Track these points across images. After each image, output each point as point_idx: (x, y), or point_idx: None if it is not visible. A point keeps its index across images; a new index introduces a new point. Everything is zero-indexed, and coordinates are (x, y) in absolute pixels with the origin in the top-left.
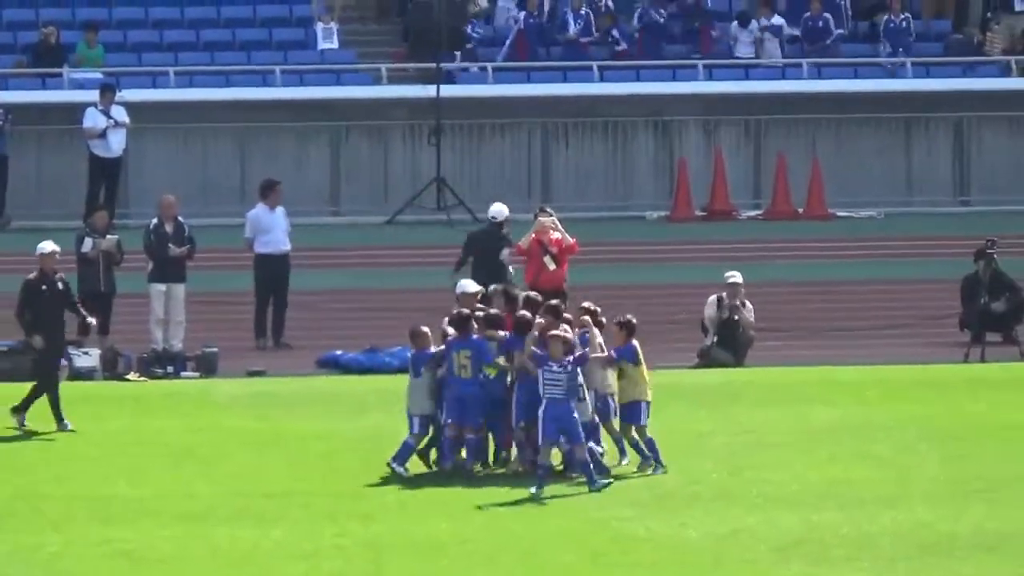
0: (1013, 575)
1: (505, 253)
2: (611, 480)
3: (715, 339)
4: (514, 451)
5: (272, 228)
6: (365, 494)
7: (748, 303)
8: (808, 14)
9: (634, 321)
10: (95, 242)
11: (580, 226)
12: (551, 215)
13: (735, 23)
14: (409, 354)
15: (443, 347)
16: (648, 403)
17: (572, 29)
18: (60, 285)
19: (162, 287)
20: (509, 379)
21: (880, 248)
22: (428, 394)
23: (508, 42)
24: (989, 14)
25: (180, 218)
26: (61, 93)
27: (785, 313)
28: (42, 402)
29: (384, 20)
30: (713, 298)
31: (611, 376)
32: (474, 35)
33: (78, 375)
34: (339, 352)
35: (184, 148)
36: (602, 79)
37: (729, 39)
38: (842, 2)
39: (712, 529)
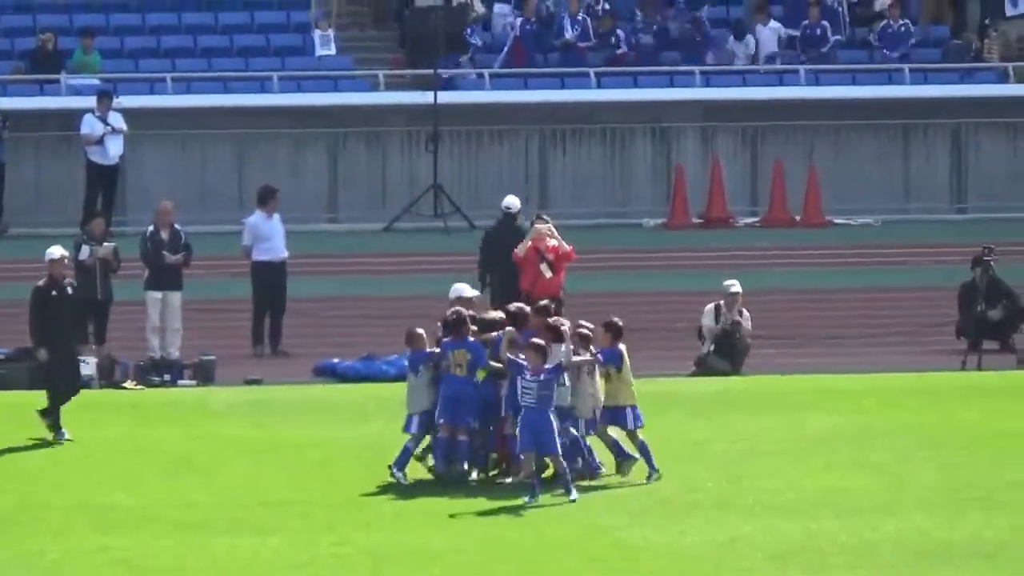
0: None
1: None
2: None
3: (712, 347)
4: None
5: (271, 235)
6: (363, 503)
7: (745, 311)
8: (806, 21)
9: (620, 323)
10: (92, 249)
11: (577, 233)
12: (548, 222)
13: (731, 38)
14: (407, 359)
15: (438, 349)
16: (634, 407)
17: (569, 34)
18: (70, 291)
19: (158, 295)
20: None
21: (877, 256)
22: (428, 391)
23: (505, 49)
24: (987, 20)
25: (177, 225)
26: (58, 99)
27: (782, 321)
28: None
29: (382, 26)
30: (711, 306)
31: (599, 384)
32: (472, 41)
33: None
34: (336, 360)
35: (182, 155)
36: (600, 86)
37: (726, 56)
38: (840, 9)
39: (710, 537)
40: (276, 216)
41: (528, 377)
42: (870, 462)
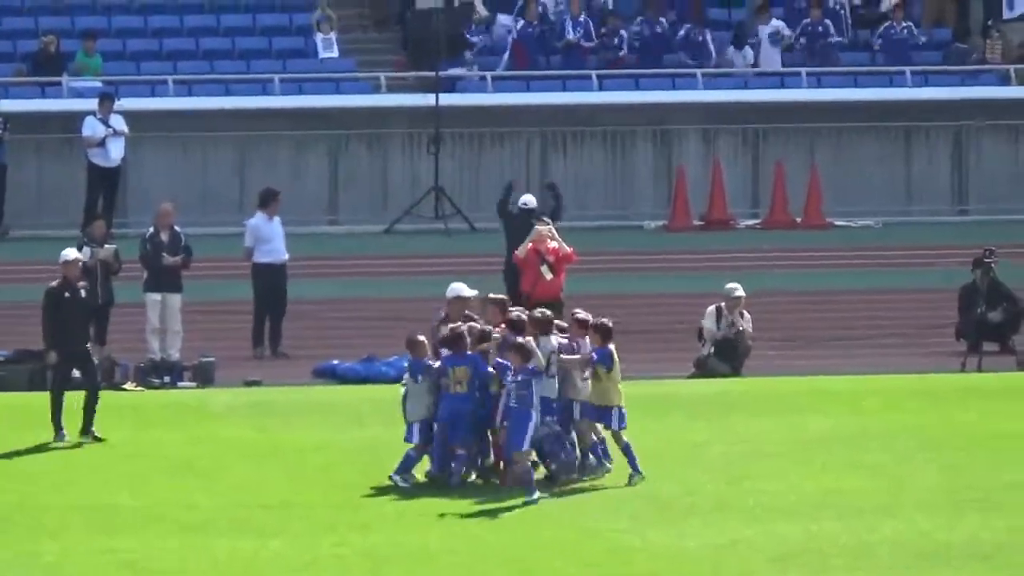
0: None
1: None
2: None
3: (712, 349)
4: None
5: (272, 238)
6: (363, 505)
7: (746, 313)
8: (807, 20)
9: (609, 324)
10: (93, 251)
11: (578, 235)
12: (548, 224)
13: (731, 47)
14: (406, 363)
15: (439, 363)
16: (621, 408)
17: (571, 36)
18: (83, 293)
19: (157, 296)
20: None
21: (878, 257)
22: (426, 399)
23: (506, 53)
24: (989, 22)
25: (177, 227)
26: (60, 102)
27: (782, 322)
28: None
29: (384, 29)
30: (712, 308)
31: (588, 382)
32: (472, 39)
33: (75, 385)
34: (336, 362)
35: (183, 157)
36: (601, 88)
37: (726, 64)
38: (842, 11)
39: (710, 540)
40: (277, 218)
41: (510, 377)
42: (869, 464)
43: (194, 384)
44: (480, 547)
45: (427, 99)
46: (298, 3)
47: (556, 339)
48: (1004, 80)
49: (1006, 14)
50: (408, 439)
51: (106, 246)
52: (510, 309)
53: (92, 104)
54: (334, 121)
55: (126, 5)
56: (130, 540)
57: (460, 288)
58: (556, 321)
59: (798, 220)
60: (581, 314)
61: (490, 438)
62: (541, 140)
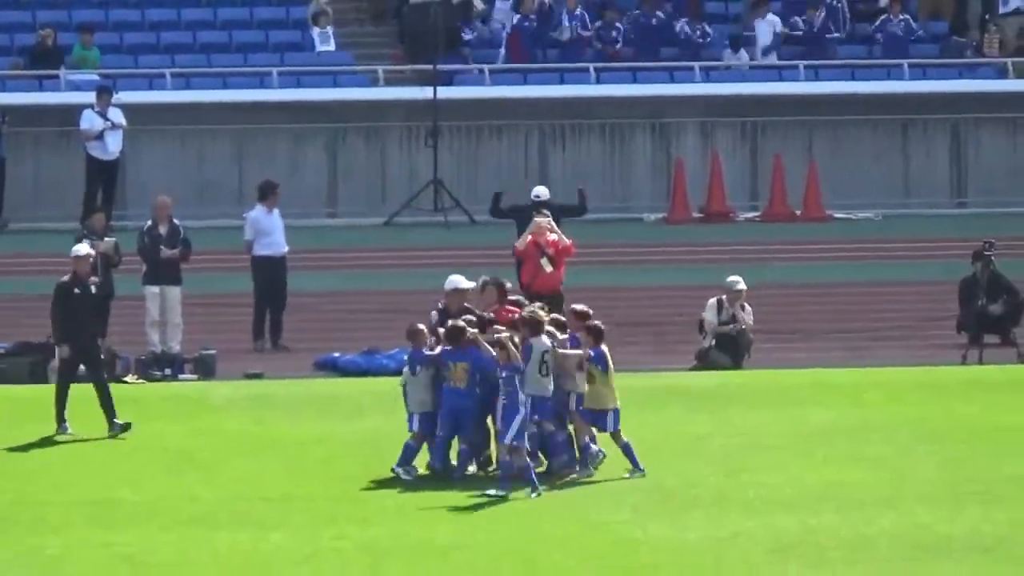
0: None
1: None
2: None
3: (713, 342)
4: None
5: (272, 231)
6: (363, 498)
7: (747, 305)
8: (804, 16)
9: (601, 326)
10: (93, 244)
11: (577, 228)
12: (548, 216)
13: (727, 50)
14: (406, 355)
15: (438, 354)
16: (616, 410)
17: (568, 30)
18: (93, 289)
19: (156, 289)
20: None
21: (877, 250)
22: (427, 391)
23: (503, 46)
24: (987, 16)
25: (176, 220)
26: (58, 95)
27: (782, 315)
28: (41, 402)
29: (380, 23)
30: (713, 301)
31: (585, 374)
32: (469, 37)
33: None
34: (337, 354)
35: (181, 150)
36: (599, 81)
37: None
38: (840, 5)
39: (711, 532)
40: (276, 211)
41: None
42: (870, 456)
43: (195, 377)
44: (482, 540)
45: (425, 92)
46: None
47: (547, 339)
48: (1001, 73)
49: (1001, 8)
50: (410, 428)
51: (106, 239)
52: (509, 295)
53: (90, 97)
54: (332, 114)
55: None
56: (130, 533)
57: (458, 280)
58: (554, 315)
59: (798, 213)
60: (579, 307)
61: (490, 430)
62: (539, 133)
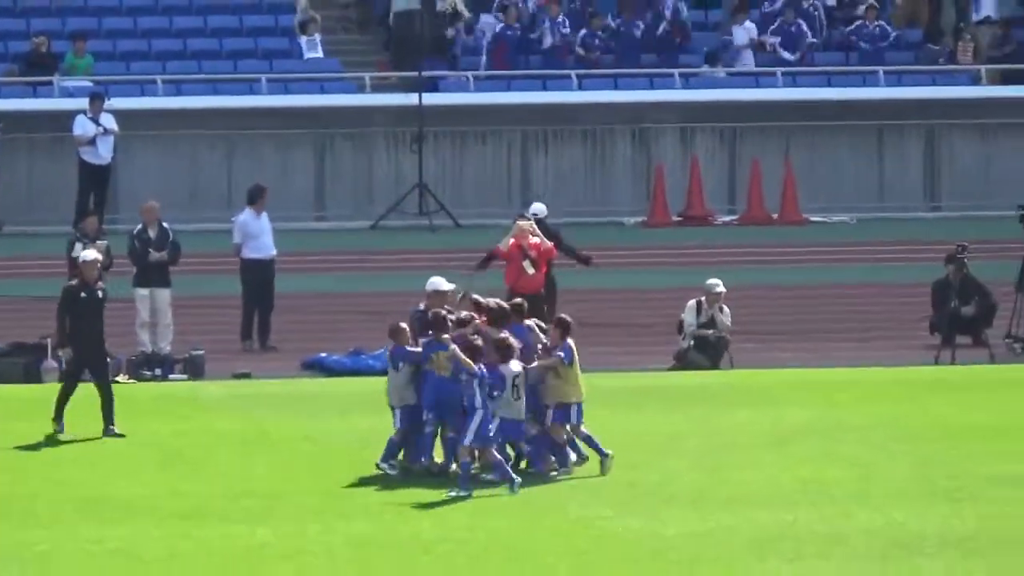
0: (979, 571)
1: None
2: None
3: (692, 343)
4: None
5: (260, 234)
6: (350, 493)
7: (725, 307)
8: (781, 19)
9: (569, 319)
10: (85, 247)
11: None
12: (530, 220)
13: (706, 65)
14: (387, 351)
15: (420, 350)
16: (579, 404)
17: (549, 39)
18: (100, 294)
19: (145, 292)
20: None
21: (852, 253)
22: (408, 388)
23: (484, 54)
24: (961, 24)
25: (165, 223)
26: (51, 101)
27: (760, 316)
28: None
29: (367, 30)
30: (692, 302)
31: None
32: (453, 48)
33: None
34: (324, 354)
35: (172, 155)
36: (580, 88)
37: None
38: (816, 13)
39: (690, 528)
40: (265, 214)
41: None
42: (845, 455)
43: (185, 376)
44: (468, 535)
45: (410, 98)
46: (284, 5)
47: (517, 364)
48: (974, 80)
49: (974, 17)
50: (394, 426)
51: (98, 242)
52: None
53: (83, 103)
54: (319, 120)
55: (116, 7)
56: (121, 528)
57: (438, 282)
58: (536, 321)
59: (775, 216)
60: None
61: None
62: (522, 138)
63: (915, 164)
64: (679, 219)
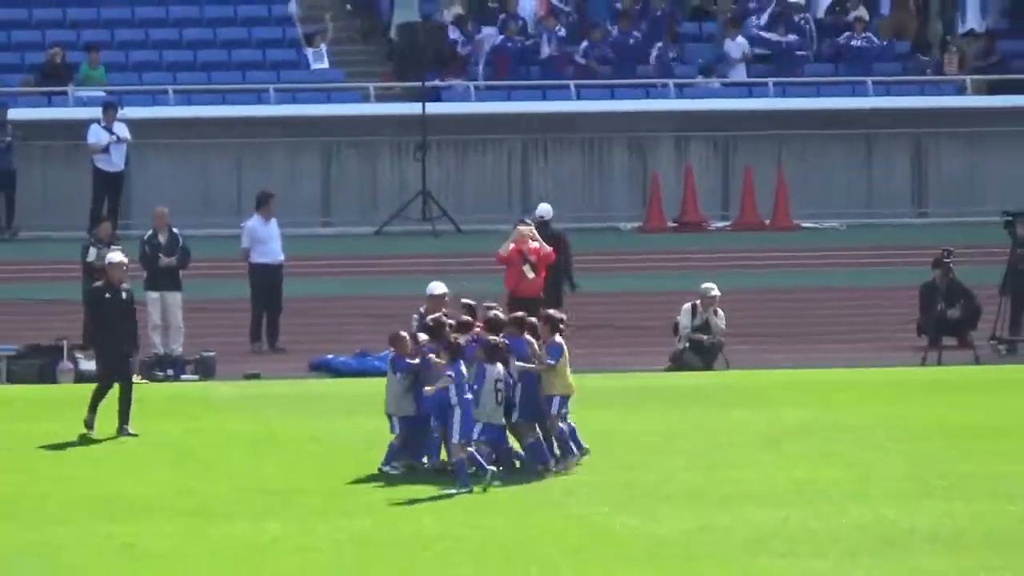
0: (969, 568)
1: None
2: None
3: (687, 344)
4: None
5: (268, 239)
6: (356, 491)
7: (720, 311)
8: (773, 34)
9: (557, 316)
10: (99, 252)
11: None
12: (530, 225)
13: (700, 76)
14: (389, 358)
15: (417, 361)
16: (564, 398)
17: (546, 50)
18: (124, 295)
19: (156, 295)
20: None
21: (842, 257)
22: (406, 396)
23: (480, 64)
24: (948, 36)
25: (175, 229)
26: (66, 111)
27: (753, 319)
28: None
29: (371, 42)
30: (688, 305)
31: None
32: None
33: (83, 378)
34: (331, 356)
35: (183, 163)
36: (579, 98)
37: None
38: (808, 26)
39: (685, 525)
40: (274, 220)
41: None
42: (838, 453)
43: (196, 377)
44: (469, 532)
45: (414, 108)
46: (290, 17)
47: (502, 367)
48: (960, 90)
49: (960, 29)
50: (392, 431)
51: (112, 247)
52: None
53: (97, 113)
54: (326, 129)
55: (129, 19)
56: (132, 525)
57: (434, 287)
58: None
59: (767, 222)
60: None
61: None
62: (522, 147)
63: (903, 172)
64: (674, 225)
